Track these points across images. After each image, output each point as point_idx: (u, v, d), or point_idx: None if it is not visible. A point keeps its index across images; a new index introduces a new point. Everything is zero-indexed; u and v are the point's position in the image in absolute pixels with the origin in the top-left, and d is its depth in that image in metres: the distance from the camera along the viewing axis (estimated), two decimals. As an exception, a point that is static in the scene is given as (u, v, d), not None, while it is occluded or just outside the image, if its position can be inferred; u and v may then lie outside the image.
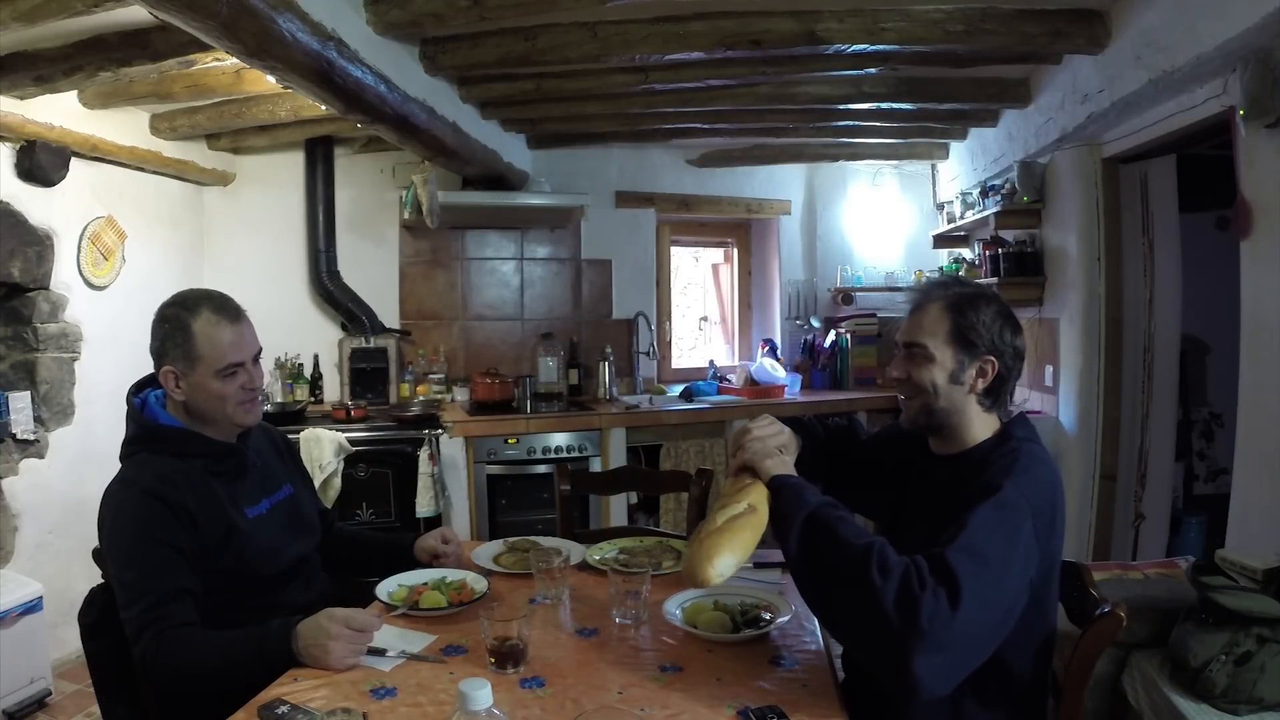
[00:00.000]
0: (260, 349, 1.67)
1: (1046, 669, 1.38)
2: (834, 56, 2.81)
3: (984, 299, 1.41)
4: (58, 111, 2.90)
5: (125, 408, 1.63)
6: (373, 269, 4.25)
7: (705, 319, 5.30)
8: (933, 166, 4.83)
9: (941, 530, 1.21)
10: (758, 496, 1.35)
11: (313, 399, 4.04)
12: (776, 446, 1.44)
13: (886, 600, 1.11)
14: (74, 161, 3.07)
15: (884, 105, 3.46)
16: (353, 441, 3.46)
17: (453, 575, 1.70)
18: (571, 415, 3.86)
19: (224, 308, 1.60)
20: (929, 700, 1.12)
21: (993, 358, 1.37)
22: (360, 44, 2.24)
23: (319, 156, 4.06)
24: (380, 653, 1.37)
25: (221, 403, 1.58)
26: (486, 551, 1.92)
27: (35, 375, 3.04)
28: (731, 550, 1.27)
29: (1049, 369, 3.71)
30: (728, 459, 1.67)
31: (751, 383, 4.32)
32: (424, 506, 3.49)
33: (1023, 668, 1.31)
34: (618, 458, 3.83)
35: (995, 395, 1.40)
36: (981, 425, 1.41)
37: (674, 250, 4.99)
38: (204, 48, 2.26)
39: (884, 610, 1.10)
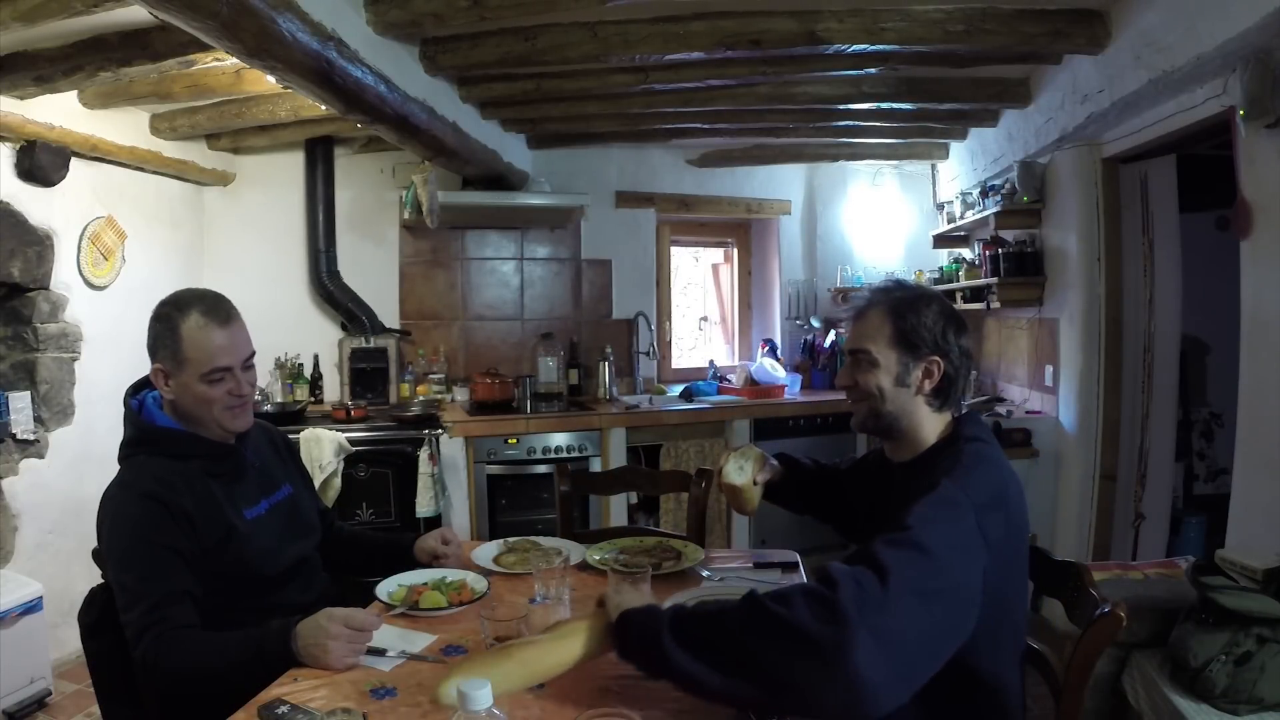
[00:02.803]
0: (253, 353, 1.65)
1: (1020, 672, 1.36)
2: (834, 56, 2.81)
3: (924, 300, 1.41)
4: (58, 111, 2.90)
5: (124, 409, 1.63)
6: (373, 269, 4.25)
7: (705, 319, 5.30)
8: (933, 166, 4.83)
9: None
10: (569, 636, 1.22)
11: (313, 399, 4.04)
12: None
13: (800, 619, 1.03)
14: (74, 161, 3.07)
15: (884, 105, 3.46)
16: (353, 441, 3.46)
17: (453, 575, 1.70)
18: (571, 415, 3.86)
19: (215, 310, 1.58)
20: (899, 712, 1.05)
21: (937, 358, 1.37)
22: (360, 44, 2.24)
23: (319, 156, 4.06)
24: (380, 653, 1.37)
25: (207, 406, 1.57)
26: (486, 551, 1.91)
27: (35, 375, 3.04)
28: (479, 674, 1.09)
29: (1049, 369, 3.71)
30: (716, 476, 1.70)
31: (751, 383, 4.32)
32: (424, 506, 3.49)
33: (993, 672, 1.28)
34: (618, 458, 3.83)
35: (944, 396, 1.40)
36: (932, 427, 1.41)
37: (674, 250, 4.99)
38: (204, 48, 2.26)
39: (801, 628, 1.02)
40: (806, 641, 1.02)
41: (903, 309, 1.39)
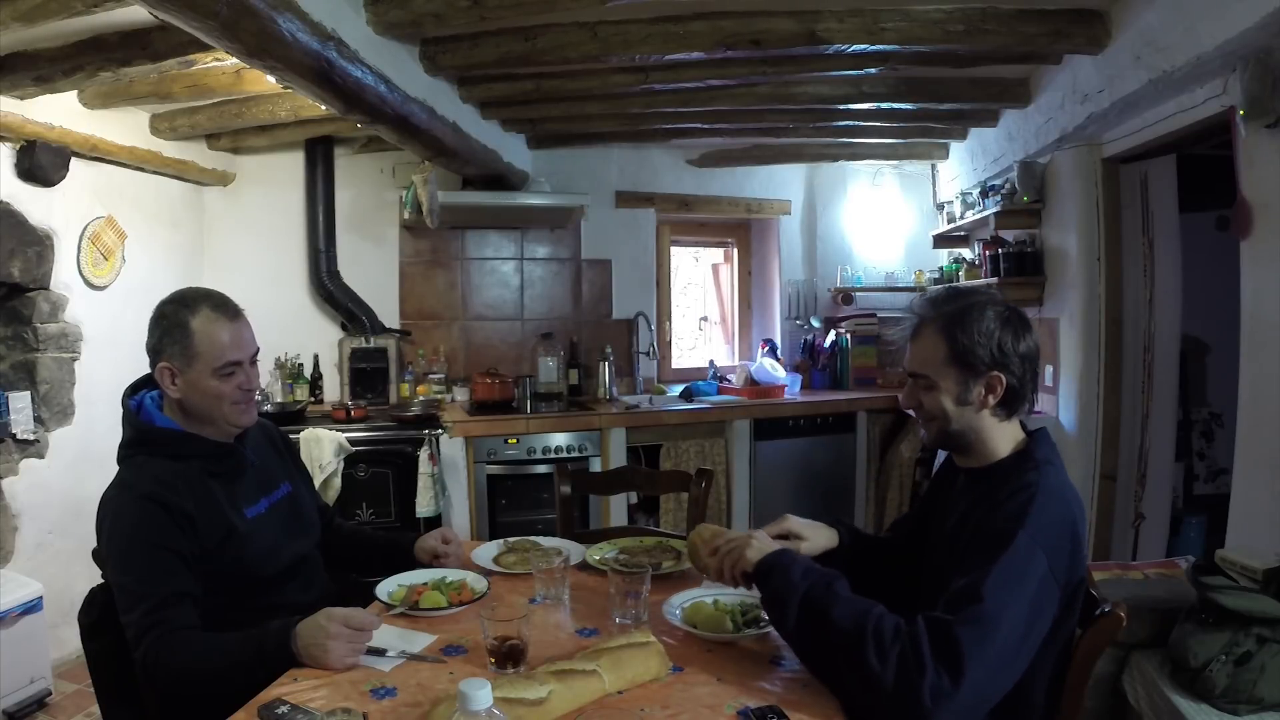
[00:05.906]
0: (258, 350, 1.67)
1: (1061, 681, 1.37)
2: (834, 56, 2.81)
3: (978, 310, 1.36)
4: (58, 111, 2.90)
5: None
6: (373, 269, 4.25)
7: (705, 319, 5.30)
8: (933, 166, 4.83)
9: (960, 558, 1.22)
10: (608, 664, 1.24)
11: (313, 399, 4.04)
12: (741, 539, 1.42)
13: (886, 683, 1.14)
14: (74, 161, 3.07)
15: (884, 105, 3.46)
16: (353, 441, 3.46)
17: (453, 575, 1.70)
18: (571, 415, 3.86)
19: (223, 306, 1.61)
20: None
21: (998, 373, 1.34)
22: (360, 44, 2.24)
23: (319, 156, 4.06)
24: (380, 653, 1.37)
25: (217, 401, 1.58)
26: (486, 551, 1.91)
27: (35, 375, 3.04)
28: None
29: (1049, 369, 3.71)
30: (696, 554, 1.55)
31: (751, 383, 4.32)
32: (424, 506, 3.49)
33: (1041, 686, 1.31)
34: (618, 458, 3.83)
35: (1010, 406, 1.38)
36: (1003, 438, 1.40)
37: (674, 250, 4.99)
38: (204, 48, 2.26)
39: (885, 691, 1.14)
40: (888, 702, 1.14)
41: (955, 326, 1.35)
